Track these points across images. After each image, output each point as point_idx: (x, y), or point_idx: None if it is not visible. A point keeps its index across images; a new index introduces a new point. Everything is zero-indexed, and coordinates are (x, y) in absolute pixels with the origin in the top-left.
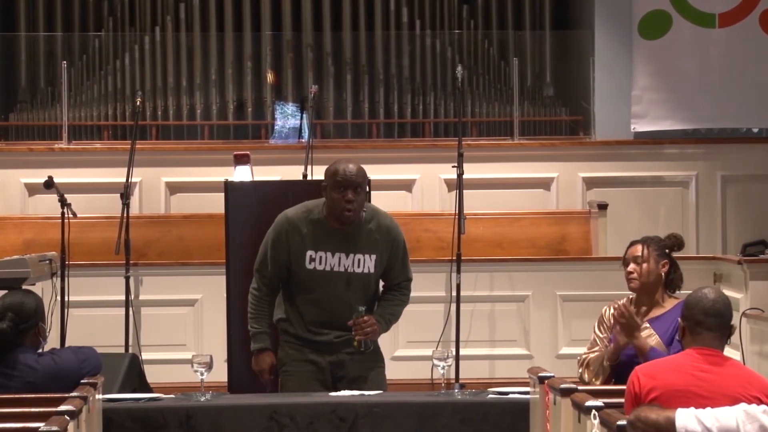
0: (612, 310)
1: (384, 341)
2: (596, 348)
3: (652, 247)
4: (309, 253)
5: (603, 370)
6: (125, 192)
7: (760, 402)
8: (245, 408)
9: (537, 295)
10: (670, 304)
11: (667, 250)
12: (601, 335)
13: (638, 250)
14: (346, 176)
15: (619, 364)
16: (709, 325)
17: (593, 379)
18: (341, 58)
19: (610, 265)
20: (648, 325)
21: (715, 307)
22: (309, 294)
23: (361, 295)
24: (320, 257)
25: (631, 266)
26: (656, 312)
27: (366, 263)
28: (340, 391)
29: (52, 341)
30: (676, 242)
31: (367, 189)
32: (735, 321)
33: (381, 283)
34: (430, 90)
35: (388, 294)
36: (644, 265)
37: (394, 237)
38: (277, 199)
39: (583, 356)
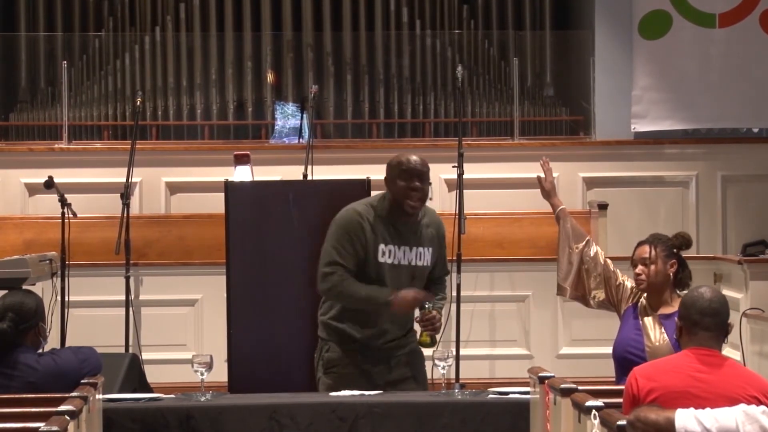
0: (631, 284)
1: None
2: (608, 264)
3: (659, 248)
4: (381, 246)
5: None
6: (125, 192)
7: (758, 402)
8: (245, 408)
9: (537, 295)
10: (678, 302)
11: (675, 250)
12: (618, 278)
13: (646, 251)
14: (412, 165)
15: (621, 363)
16: (706, 324)
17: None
18: (341, 58)
19: None
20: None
21: (711, 306)
22: None
23: (420, 288)
24: (390, 250)
25: (639, 268)
26: (665, 310)
27: (425, 256)
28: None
29: (52, 341)
30: (683, 241)
31: (430, 183)
32: (735, 321)
33: None
34: (430, 90)
35: (433, 288)
36: (652, 267)
37: (443, 232)
38: (277, 199)
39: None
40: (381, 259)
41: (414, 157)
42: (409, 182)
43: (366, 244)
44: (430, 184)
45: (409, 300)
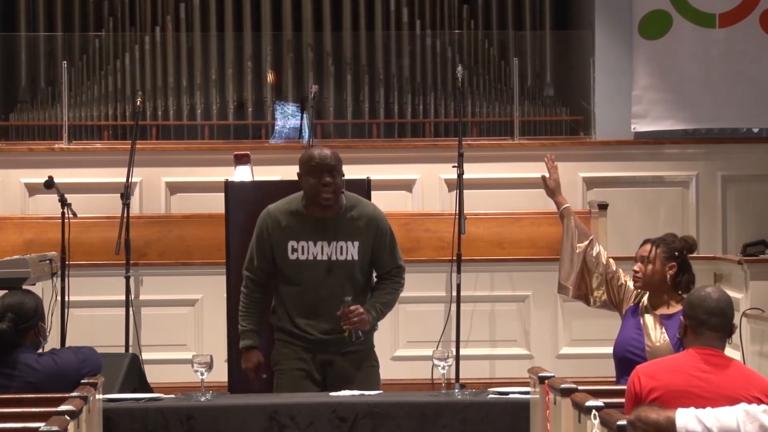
0: (631, 283)
1: (384, 341)
2: (610, 264)
3: (660, 249)
4: (291, 243)
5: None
6: (125, 192)
7: (760, 402)
8: (245, 408)
9: (537, 295)
10: (679, 304)
11: (676, 253)
12: (620, 278)
13: (647, 249)
14: (321, 160)
15: (621, 362)
16: (712, 324)
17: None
18: (341, 58)
19: None
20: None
21: (719, 306)
22: (294, 286)
23: (347, 283)
24: (302, 247)
25: (637, 265)
26: (666, 310)
27: (348, 250)
28: (330, 389)
29: (52, 341)
30: (685, 245)
31: (343, 173)
32: (735, 321)
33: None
34: (430, 90)
35: (380, 283)
36: (649, 266)
37: (378, 224)
38: (277, 199)
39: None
40: (291, 257)
41: (324, 151)
42: (319, 178)
43: (272, 243)
44: (343, 175)
45: (243, 368)
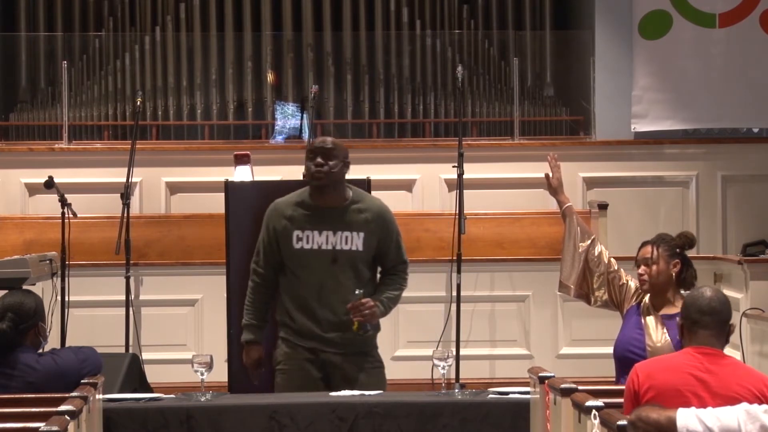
0: (635, 284)
1: (384, 341)
2: (612, 263)
3: (662, 248)
4: (296, 233)
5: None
6: (126, 192)
7: (756, 397)
8: (245, 408)
9: (537, 295)
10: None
11: (678, 250)
12: (622, 278)
13: (649, 251)
14: (317, 144)
15: (621, 361)
16: (705, 323)
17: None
18: (341, 58)
19: None
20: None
21: (711, 305)
22: (299, 277)
23: (351, 275)
24: (307, 236)
25: (642, 268)
26: (668, 310)
27: (354, 240)
28: (333, 390)
29: (52, 341)
30: (686, 241)
31: (346, 163)
32: (735, 321)
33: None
34: (430, 90)
35: (386, 278)
36: (654, 267)
37: (386, 219)
38: (277, 198)
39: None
40: (296, 246)
41: (325, 138)
42: (312, 160)
43: (277, 234)
44: (344, 165)
45: (245, 359)
